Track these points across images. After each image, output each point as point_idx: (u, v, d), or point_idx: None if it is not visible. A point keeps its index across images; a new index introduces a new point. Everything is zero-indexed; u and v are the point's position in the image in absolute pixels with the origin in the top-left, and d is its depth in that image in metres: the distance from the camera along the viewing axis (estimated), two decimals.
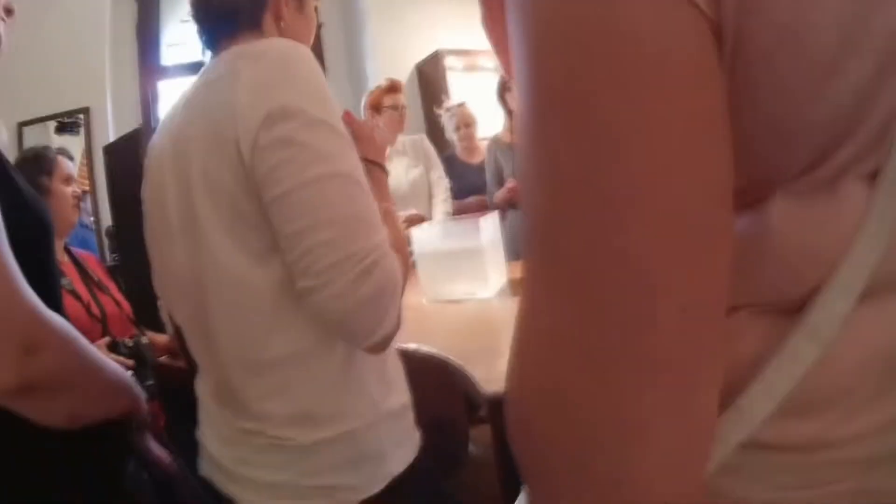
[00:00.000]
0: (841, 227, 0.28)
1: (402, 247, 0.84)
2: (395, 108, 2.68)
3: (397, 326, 0.78)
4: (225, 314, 0.79)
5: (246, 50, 0.78)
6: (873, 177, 0.27)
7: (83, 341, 0.76)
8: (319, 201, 0.70)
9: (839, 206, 0.28)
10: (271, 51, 0.76)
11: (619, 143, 0.24)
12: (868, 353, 0.29)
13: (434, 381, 1.42)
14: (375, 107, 2.69)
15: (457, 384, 1.18)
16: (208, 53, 0.91)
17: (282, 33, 0.90)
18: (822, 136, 0.27)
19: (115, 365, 0.84)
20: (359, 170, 0.75)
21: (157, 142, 0.89)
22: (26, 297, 0.68)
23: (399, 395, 0.88)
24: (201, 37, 0.90)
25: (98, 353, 0.79)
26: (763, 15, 0.25)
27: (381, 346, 0.77)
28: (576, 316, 0.25)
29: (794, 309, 0.29)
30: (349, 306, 0.70)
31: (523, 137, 0.27)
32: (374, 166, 0.95)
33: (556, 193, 0.25)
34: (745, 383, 0.30)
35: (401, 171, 2.72)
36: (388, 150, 2.69)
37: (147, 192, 0.91)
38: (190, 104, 0.83)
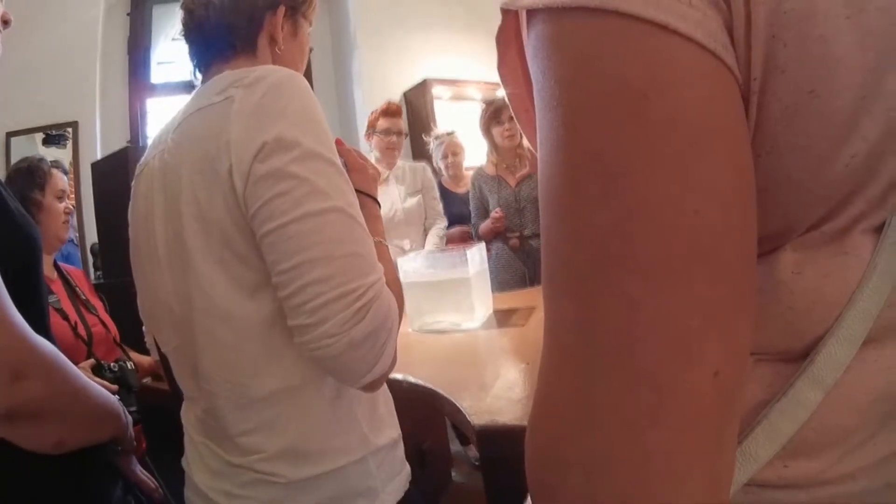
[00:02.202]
0: (847, 278, 0.29)
1: (396, 283, 0.83)
2: (387, 132, 2.63)
3: (392, 365, 0.76)
4: (213, 347, 0.77)
5: (240, 76, 0.74)
6: (879, 230, 0.29)
7: (71, 367, 0.76)
8: (315, 237, 0.67)
9: (846, 259, 0.29)
10: (267, 78, 0.73)
11: (657, 210, 0.24)
12: (867, 396, 0.30)
13: (419, 411, 1.42)
14: (372, 128, 2.67)
15: (442, 414, 1.19)
16: (198, 74, 0.88)
17: (275, 57, 0.89)
18: (837, 192, 0.28)
19: (102, 390, 0.84)
20: (355, 205, 0.73)
21: (145, 165, 0.86)
22: (15, 323, 0.68)
23: (390, 429, 0.87)
24: (193, 58, 0.88)
25: (86, 378, 0.79)
26: (786, 77, 0.26)
27: (376, 385, 0.76)
28: (608, 379, 0.25)
29: (796, 356, 0.31)
30: (344, 346, 0.67)
31: (552, 199, 0.27)
32: (367, 198, 0.92)
33: (591, 260, 0.25)
34: (749, 427, 0.31)
35: (396, 198, 2.67)
36: (386, 175, 2.65)
37: (134, 215, 0.88)
38: (181, 129, 0.80)
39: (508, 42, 0.34)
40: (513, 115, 0.40)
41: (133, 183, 0.89)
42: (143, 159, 0.88)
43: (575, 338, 0.26)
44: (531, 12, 0.28)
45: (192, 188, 0.74)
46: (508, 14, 0.32)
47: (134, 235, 0.88)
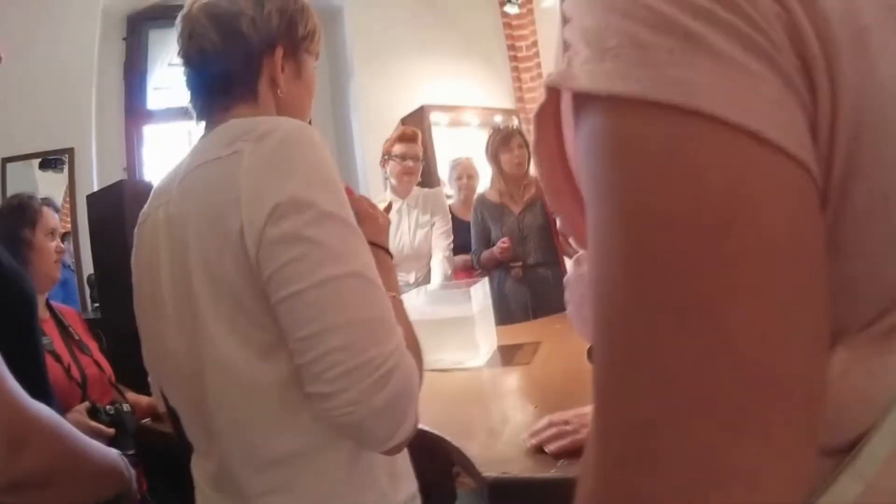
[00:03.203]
0: (890, 378, 0.29)
1: (414, 340, 0.80)
2: (402, 157, 2.55)
3: (415, 429, 0.74)
4: (225, 407, 0.75)
5: (248, 128, 0.73)
6: None
7: (71, 430, 0.74)
8: (333, 303, 0.66)
9: (891, 358, 0.29)
10: (276, 132, 0.71)
11: (734, 347, 0.23)
12: None
13: (425, 453, 1.40)
14: (387, 154, 2.60)
15: (446, 456, 1.16)
16: (200, 122, 0.87)
17: (279, 101, 0.86)
18: (890, 295, 0.28)
19: (103, 449, 0.82)
20: (372, 266, 0.71)
21: (148, 215, 0.84)
22: (11, 392, 0.66)
23: (408, 484, 0.85)
24: (194, 106, 0.87)
25: (87, 439, 0.78)
26: (863, 182, 0.25)
27: (398, 449, 0.74)
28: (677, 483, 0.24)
29: (837, 450, 0.30)
30: (366, 414, 0.66)
31: (610, 319, 0.26)
32: (379, 250, 0.89)
33: (659, 401, 0.24)
34: None
35: (405, 231, 2.61)
36: (399, 205, 2.58)
37: (137, 263, 0.86)
38: (187, 181, 0.78)
39: (547, 119, 0.32)
40: (546, 196, 0.38)
41: (136, 230, 0.87)
42: (145, 208, 0.87)
43: (638, 467, 0.25)
44: (586, 97, 0.26)
45: (199, 245, 0.73)
46: (552, 91, 0.30)
47: (138, 282, 0.86)
